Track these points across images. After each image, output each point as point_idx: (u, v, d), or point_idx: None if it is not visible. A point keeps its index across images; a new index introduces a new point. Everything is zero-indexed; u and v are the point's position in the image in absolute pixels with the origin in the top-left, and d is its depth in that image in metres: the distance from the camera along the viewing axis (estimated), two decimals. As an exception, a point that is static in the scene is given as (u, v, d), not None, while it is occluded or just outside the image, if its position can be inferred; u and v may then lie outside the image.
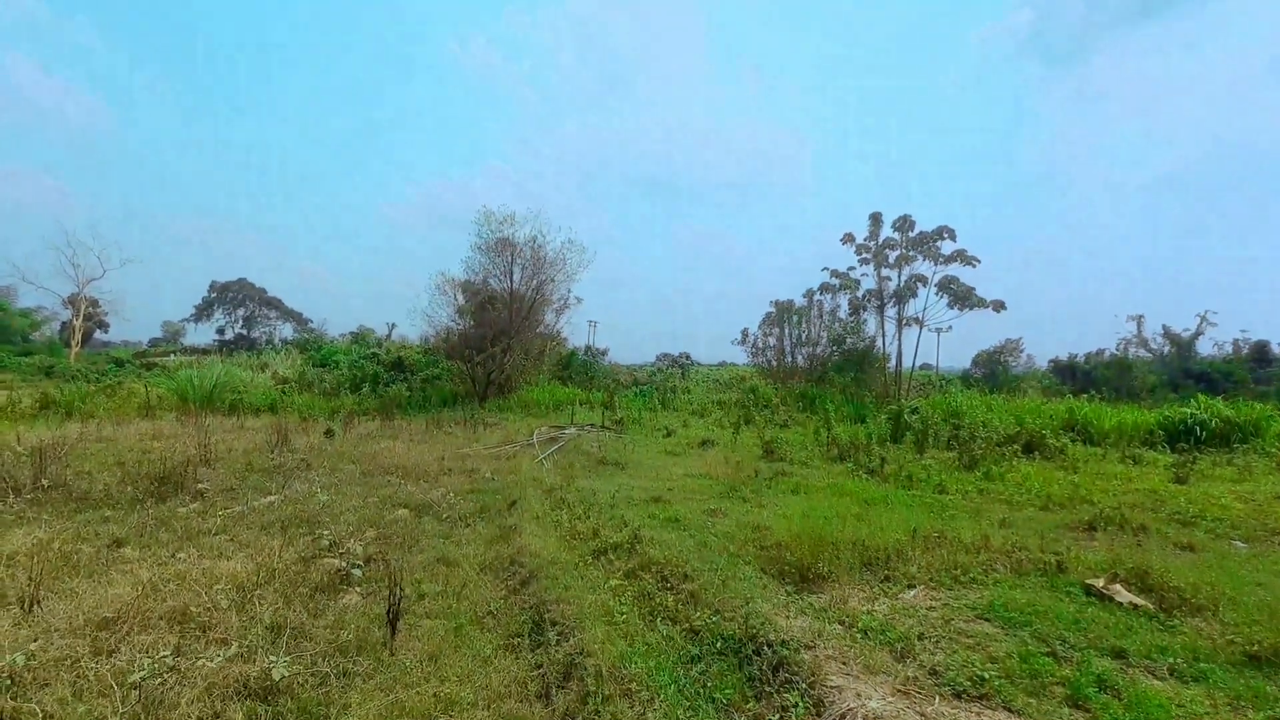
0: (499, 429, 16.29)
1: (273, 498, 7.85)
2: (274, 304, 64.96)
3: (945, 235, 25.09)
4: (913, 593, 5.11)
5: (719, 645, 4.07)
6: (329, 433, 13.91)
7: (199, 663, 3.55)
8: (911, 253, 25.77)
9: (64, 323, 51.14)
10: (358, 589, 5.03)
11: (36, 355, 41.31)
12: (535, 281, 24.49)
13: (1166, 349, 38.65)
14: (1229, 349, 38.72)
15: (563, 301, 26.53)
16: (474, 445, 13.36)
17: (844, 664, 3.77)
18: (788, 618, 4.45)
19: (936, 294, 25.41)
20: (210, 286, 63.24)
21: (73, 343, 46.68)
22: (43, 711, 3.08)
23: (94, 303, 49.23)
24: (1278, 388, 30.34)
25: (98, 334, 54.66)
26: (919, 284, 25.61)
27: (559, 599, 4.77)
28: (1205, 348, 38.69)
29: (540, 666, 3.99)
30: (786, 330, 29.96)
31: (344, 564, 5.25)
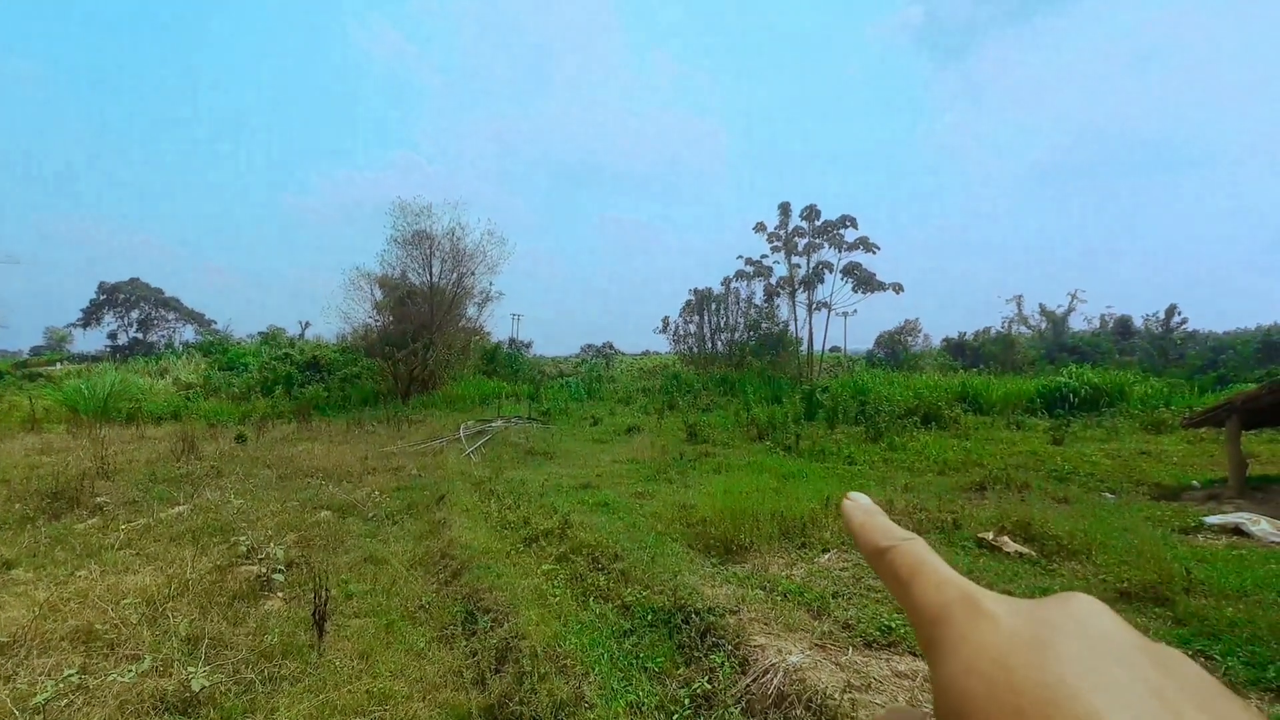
0: (424, 426, 15.90)
1: (181, 508, 7.39)
2: (172, 305, 59.20)
3: (848, 224, 26.53)
4: (827, 556, 5.52)
5: (650, 618, 4.25)
6: (240, 438, 13.13)
7: (109, 680, 3.38)
8: (818, 240, 27.11)
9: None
10: (280, 594, 4.89)
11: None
12: (456, 274, 23.81)
13: (1044, 325, 42.60)
14: (1097, 323, 43.17)
15: (484, 295, 25.97)
16: (398, 443, 13.01)
17: (766, 625, 4.06)
18: (714, 587, 4.71)
19: (842, 279, 26.93)
20: (99, 288, 56.85)
21: (-65, 353, 41.23)
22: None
23: (-35, 309, 43.57)
24: (1139, 357, 34.13)
25: (-28, 344, 48.35)
26: (826, 270, 27.00)
27: (491, 587, 4.84)
28: (1077, 323, 43.05)
29: (475, 654, 4.06)
30: (706, 317, 30.71)
31: (264, 570, 5.08)
